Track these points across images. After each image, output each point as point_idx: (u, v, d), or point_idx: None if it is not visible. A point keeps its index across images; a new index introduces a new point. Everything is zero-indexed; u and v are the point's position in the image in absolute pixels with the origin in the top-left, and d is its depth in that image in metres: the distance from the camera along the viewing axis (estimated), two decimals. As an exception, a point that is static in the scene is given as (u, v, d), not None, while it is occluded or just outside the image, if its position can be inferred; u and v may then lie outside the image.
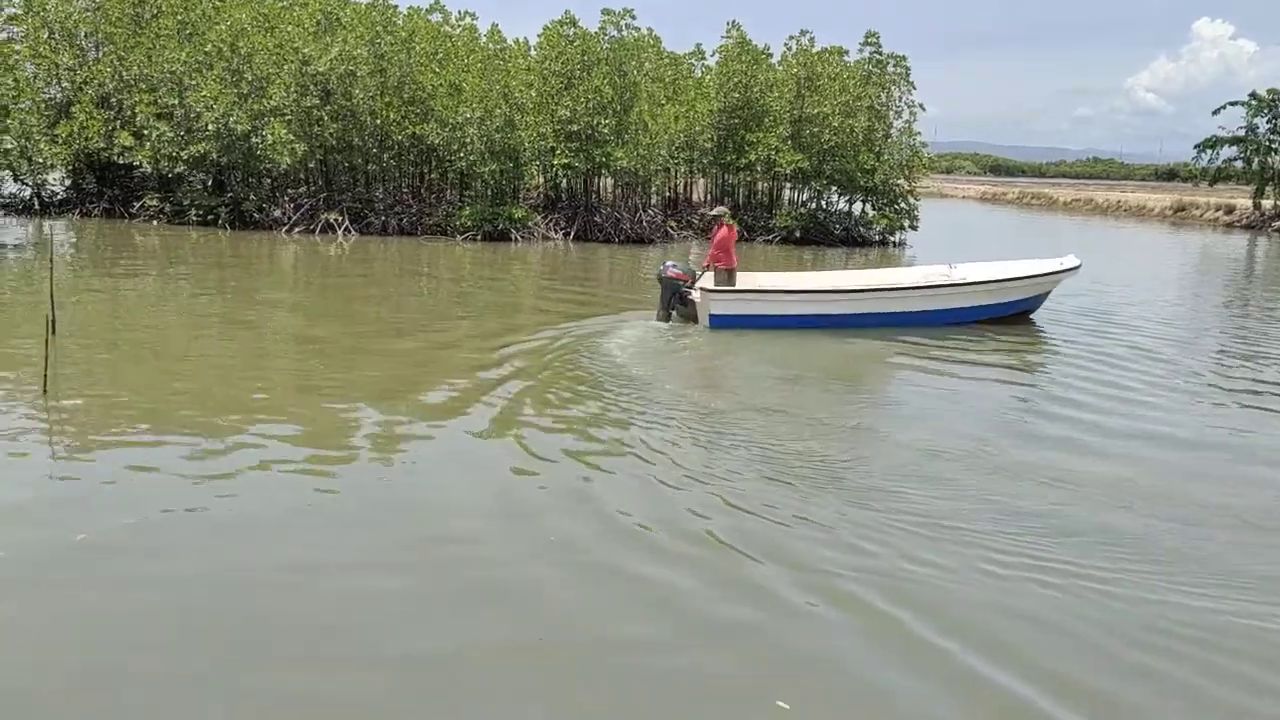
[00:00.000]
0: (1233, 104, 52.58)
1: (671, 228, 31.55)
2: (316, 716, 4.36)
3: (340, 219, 26.99)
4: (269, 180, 28.22)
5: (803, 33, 32.62)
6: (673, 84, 32.95)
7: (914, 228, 32.39)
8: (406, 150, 28.92)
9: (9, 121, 26.28)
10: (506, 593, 5.51)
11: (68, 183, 29.73)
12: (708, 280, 14.51)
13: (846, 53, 32.53)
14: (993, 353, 13.21)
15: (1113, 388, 11.22)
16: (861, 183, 31.52)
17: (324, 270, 20.39)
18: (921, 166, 33.40)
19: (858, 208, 32.95)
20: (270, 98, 25.92)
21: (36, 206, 28.60)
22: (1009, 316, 15.45)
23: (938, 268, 16.24)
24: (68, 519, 6.20)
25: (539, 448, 8.06)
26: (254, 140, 26.29)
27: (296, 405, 9.20)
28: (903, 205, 32.33)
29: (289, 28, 26.61)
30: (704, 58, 35.45)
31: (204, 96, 25.78)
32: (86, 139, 27.09)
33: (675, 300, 14.47)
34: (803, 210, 32.48)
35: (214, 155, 26.41)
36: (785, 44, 33.11)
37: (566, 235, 28.79)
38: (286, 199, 28.05)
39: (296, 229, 26.84)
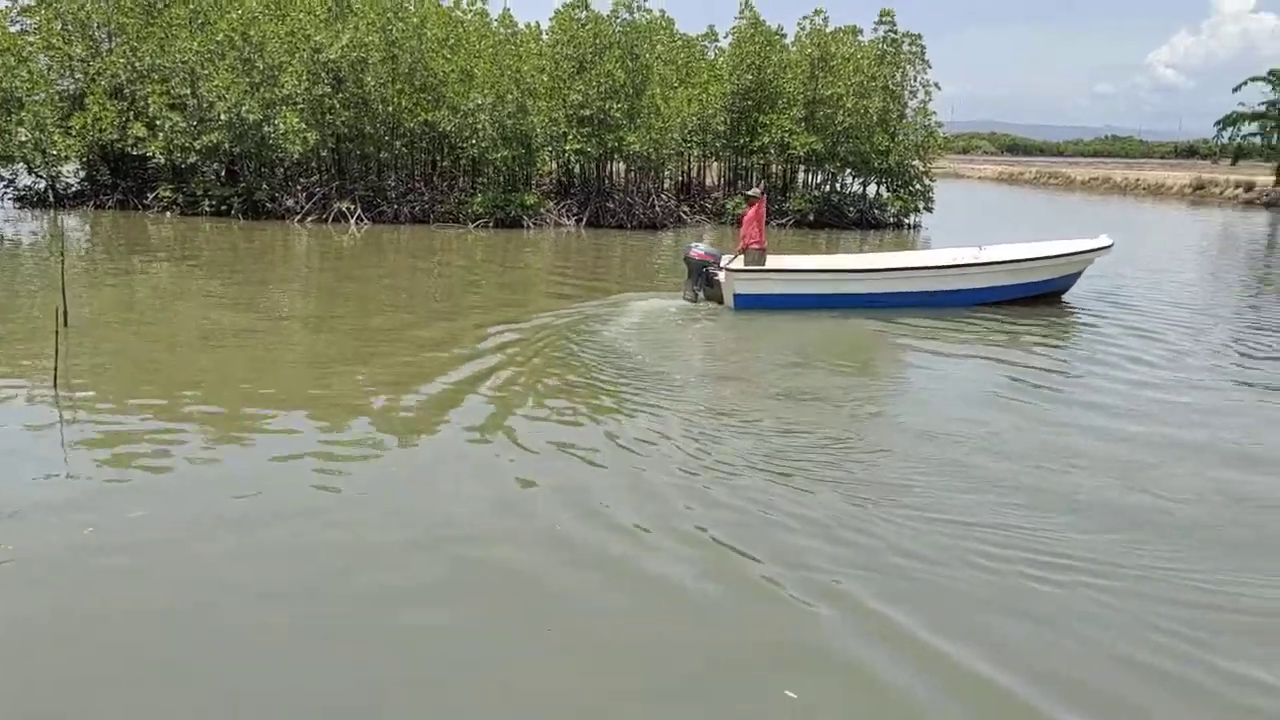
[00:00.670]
0: (1254, 80, 51.88)
1: (685, 213, 31.40)
2: (320, 707, 4.34)
3: (353, 207, 26.98)
4: (281, 170, 28.23)
5: (817, 12, 32.30)
6: (685, 67, 32.74)
7: (929, 210, 32.11)
8: (418, 138, 28.85)
9: (23, 114, 26.43)
10: (515, 584, 5.50)
11: (82, 175, 29.80)
12: (737, 262, 14.45)
13: (861, 32, 32.24)
14: (1010, 334, 13.07)
15: (1130, 370, 11.09)
16: (876, 164, 31.25)
17: (336, 258, 20.38)
18: (937, 147, 33.09)
19: (872, 190, 32.71)
20: (282, 86, 25.90)
21: (51, 199, 28.69)
22: (1040, 296, 15.28)
23: (967, 249, 16.05)
24: (75, 513, 6.19)
25: (535, 438, 7.98)
26: (266, 130, 26.27)
27: (305, 397, 9.17)
28: (918, 187, 32.06)
29: (300, 15, 26.55)
30: (717, 39, 35.21)
31: (216, 86, 25.78)
32: (100, 130, 27.12)
33: (702, 281, 14.53)
34: (817, 193, 32.25)
35: (226, 145, 26.41)
36: (799, 24, 32.82)
37: (579, 221, 28.69)
38: (299, 188, 28.05)
39: (309, 218, 26.85)
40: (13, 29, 28.07)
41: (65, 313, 11.09)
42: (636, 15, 28.89)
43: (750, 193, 14.86)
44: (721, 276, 14.33)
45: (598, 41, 28.00)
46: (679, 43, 33.53)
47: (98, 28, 28.80)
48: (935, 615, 5.21)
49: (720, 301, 14.36)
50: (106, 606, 5.13)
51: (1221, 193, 54.20)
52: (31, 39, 28.07)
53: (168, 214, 27.23)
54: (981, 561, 5.86)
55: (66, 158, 28.03)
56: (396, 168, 29.13)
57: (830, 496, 6.84)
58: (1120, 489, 7.11)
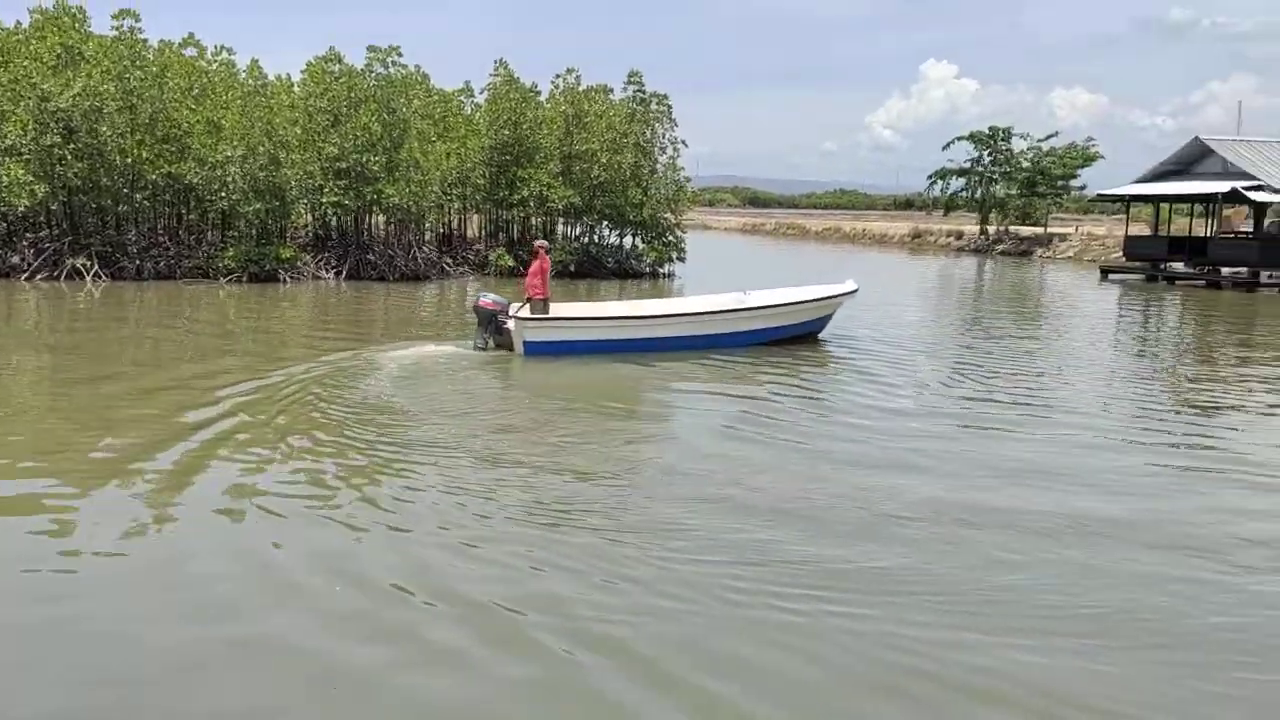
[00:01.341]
0: (960, 139, 58.08)
1: (448, 264, 31.52)
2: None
3: (89, 264, 25.31)
4: (3, 224, 26.12)
5: (569, 71, 33.56)
6: (443, 121, 33.00)
7: (682, 259, 33.79)
8: (161, 190, 27.50)
9: None
10: (286, 658, 5.39)
11: None
12: (524, 310, 15.06)
13: (611, 91, 33.73)
14: (764, 372, 14.17)
15: (875, 398, 12.37)
16: (631, 217, 32.65)
17: (72, 319, 19.15)
18: (686, 200, 34.96)
19: (628, 241, 34.06)
20: (5, 137, 24.07)
21: None
22: (799, 337, 16.70)
23: (733, 294, 17.25)
24: None
25: (289, 503, 7.75)
26: (-14, 181, 24.28)
27: (35, 470, 8.63)
28: (670, 238, 33.68)
29: (25, 62, 24.83)
30: (473, 95, 35.74)
31: (-76, 134, 23.63)
32: None
33: (492, 329, 15.07)
34: (576, 244, 33.21)
35: (-62, 197, 24.20)
36: (553, 82, 33.93)
37: (338, 274, 28.21)
38: (25, 243, 26.06)
39: (38, 276, 24.96)
40: None
41: None
42: (391, 69, 28.96)
43: (539, 244, 15.59)
44: (511, 325, 14.92)
45: (352, 95, 27.84)
46: (435, 97, 33.78)
47: None
48: (693, 652, 5.43)
49: (510, 349, 14.95)
50: None
51: (936, 241, 60.11)
52: None
53: None
54: (733, 597, 6.14)
55: None
56: (138, 221, 27.58)
57: (591, 540, 7.01)
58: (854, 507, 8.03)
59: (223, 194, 26.23)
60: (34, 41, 25.85)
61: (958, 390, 13.33)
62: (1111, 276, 36.95)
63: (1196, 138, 36.13)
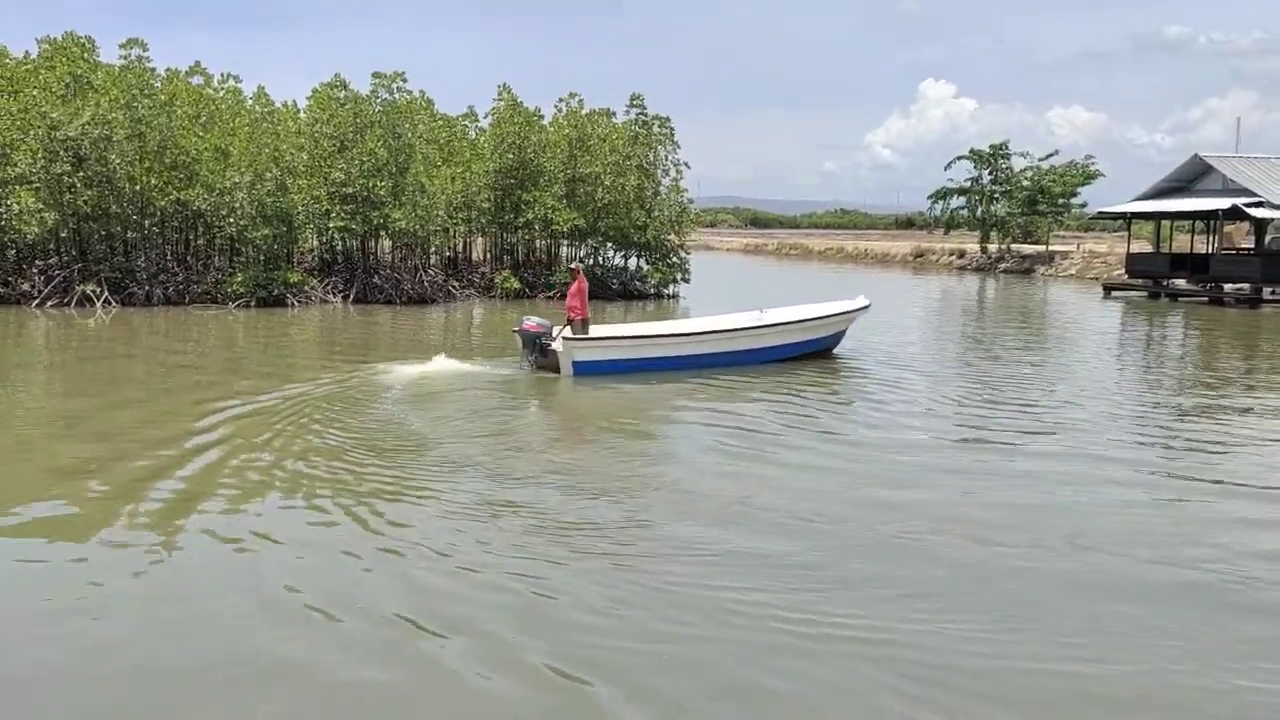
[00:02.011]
0: (960, 158, 58.30)
1: (454, 287, 31.69)
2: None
3: (99, 290, 25.49)
4: (14, 251, 26.33)
5: (571, 95, 33.85)
6: (447, 145, 33.27)
7: (686, 280, 33.96)
8: (170, 216, 27.72)
9: None
10: (302, 684, 5.40)
11: None
12: (568, 332, 15.52)
13: (614, 114, 33.99)
14: (789, 386, 14.30)
15: (889, 417, 12.45)
16: (635, 239, 32.86)
17: (80, 344, 19.28)
18: (690, 221, 35.18)
19: (633, 263, 34.26)
20: (15, 165, 24.30)
21: None
22: (815, 353, 17.17)
23: (748, 313, 17.69)
24: None
25: (290, 527, 7.77)
26: (-3, 209, 24.51)
27: (49, 494, 8.70)
28: (674, 259, 33.87)
29: (34, 91, 25.10)
30: (477, 120, 36.03)
31: (-64, 163, 23.86)
32: None
33: (537, 351, 15.45)
34: (581, 266, 33.27)
35: (-51, 226, 24.40)
36: (556, 105, 34.24)
37: (346, 298, 28.39)
38: (35, 270, 26.25)
39: (49, 302, 25.13)
40: None
41: None
42: (396, 95, 29.23)
43: (572, 267, 16.36)
44: (557, 346, 15.21)
45: (358, 120, 28.11)
46: (440, 122, 34.07)
47: None
48: (705, 681, 5.39)
49: (555, 370, 15.25)
50: None
51: (938, 260, 60.25)
52: None
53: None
54: (737, 621, 6.12)
55: None
56: (147, 247, 27.75)
57: (598, 564, 7.01)
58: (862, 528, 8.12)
59: (230, 220, 26.46)
60: (43, 71, 26.21)
61: (968, 410, 13.41)
62: (1114, 294, 37.08)
63: (1196, 155, 36.31)
